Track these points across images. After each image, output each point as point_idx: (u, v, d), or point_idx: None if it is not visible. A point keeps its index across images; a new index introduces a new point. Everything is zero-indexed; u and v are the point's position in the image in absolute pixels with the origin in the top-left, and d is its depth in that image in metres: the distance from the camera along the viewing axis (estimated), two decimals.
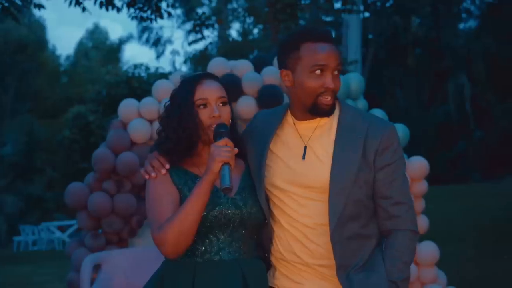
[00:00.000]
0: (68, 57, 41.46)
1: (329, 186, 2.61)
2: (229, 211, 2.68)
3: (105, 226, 5.84)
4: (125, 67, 31.03)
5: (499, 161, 22.41)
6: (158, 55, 37.99)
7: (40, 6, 10.41)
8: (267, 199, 2.77)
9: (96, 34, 43.16)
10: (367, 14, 25.48)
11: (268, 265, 2.82)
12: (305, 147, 2.71)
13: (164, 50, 40.19)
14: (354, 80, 6.25)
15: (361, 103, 6.32)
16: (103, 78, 24.96)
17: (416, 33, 26.21)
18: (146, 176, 2.74)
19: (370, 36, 26.45)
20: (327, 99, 2.64)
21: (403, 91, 25.92)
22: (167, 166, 2.74)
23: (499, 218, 12.56)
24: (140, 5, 11.66)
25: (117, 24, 75.71)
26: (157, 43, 35.80)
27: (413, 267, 5.97)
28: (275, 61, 5.94)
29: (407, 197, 2.69)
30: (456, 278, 7.43)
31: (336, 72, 2.65)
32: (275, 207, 2.75)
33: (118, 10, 11.09)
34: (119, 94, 20.81)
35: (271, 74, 5.87)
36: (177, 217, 2.58)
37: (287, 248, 2.72)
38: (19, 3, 10.06)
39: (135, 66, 24.39)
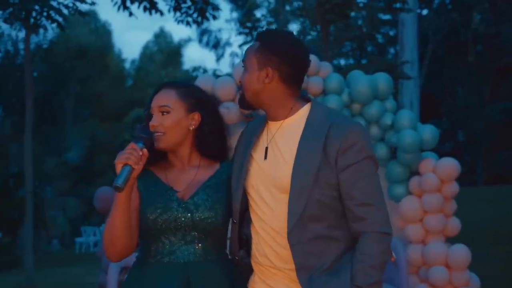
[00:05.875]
0: (133, 61, 42.25)
1: (290, 186, 2.59)
2: (179, 215, 2.71)
3: None
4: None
5: None
6: (218, 58, 38.30)
7: (84, 14, 10.73)
8: (247, 204, 2.76)
9: (161, 38, 43.85)
10: (425, 12, 25.12)
11: (237, 267, 2.83)
12: (266, 147, 2.71)
13: (224, 52, 40.40)
14: (382, 80, 6.13)
15: (390, 104, 6.20)
16: (163, 81, 25.33)
17: (476, 30, 25.64)
18: None
19: (428, 34, 26.01)
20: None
21: (463, 88, 25.39)
22: None
23: None
24: (186, 9, 11.82)
25: (184, 27, 76.62)
26: (217, 45, 36.08)
27: (444, 270, 5.86)
28: None
29: (374, 198, 2.60)
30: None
31: (245, 68, 2.71)
32: (252, 212, 2.75)
33: (162, 14, 11.29)
34: None
35: None
36: (106, 226, 2.67)
37: (261, 252, 2.71)
38: (65, 11, 10.35)
39: (194, 69, 24.75)
